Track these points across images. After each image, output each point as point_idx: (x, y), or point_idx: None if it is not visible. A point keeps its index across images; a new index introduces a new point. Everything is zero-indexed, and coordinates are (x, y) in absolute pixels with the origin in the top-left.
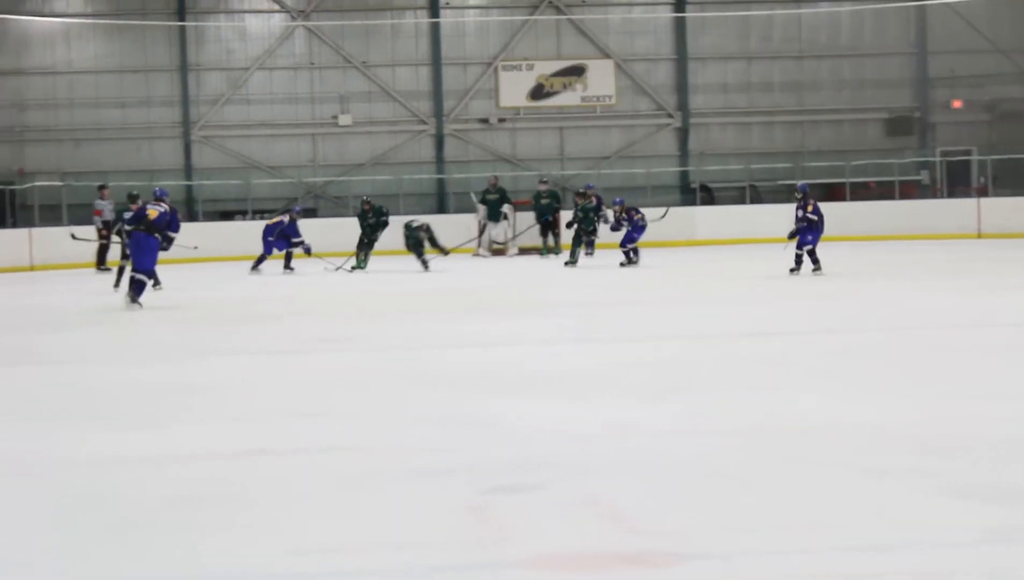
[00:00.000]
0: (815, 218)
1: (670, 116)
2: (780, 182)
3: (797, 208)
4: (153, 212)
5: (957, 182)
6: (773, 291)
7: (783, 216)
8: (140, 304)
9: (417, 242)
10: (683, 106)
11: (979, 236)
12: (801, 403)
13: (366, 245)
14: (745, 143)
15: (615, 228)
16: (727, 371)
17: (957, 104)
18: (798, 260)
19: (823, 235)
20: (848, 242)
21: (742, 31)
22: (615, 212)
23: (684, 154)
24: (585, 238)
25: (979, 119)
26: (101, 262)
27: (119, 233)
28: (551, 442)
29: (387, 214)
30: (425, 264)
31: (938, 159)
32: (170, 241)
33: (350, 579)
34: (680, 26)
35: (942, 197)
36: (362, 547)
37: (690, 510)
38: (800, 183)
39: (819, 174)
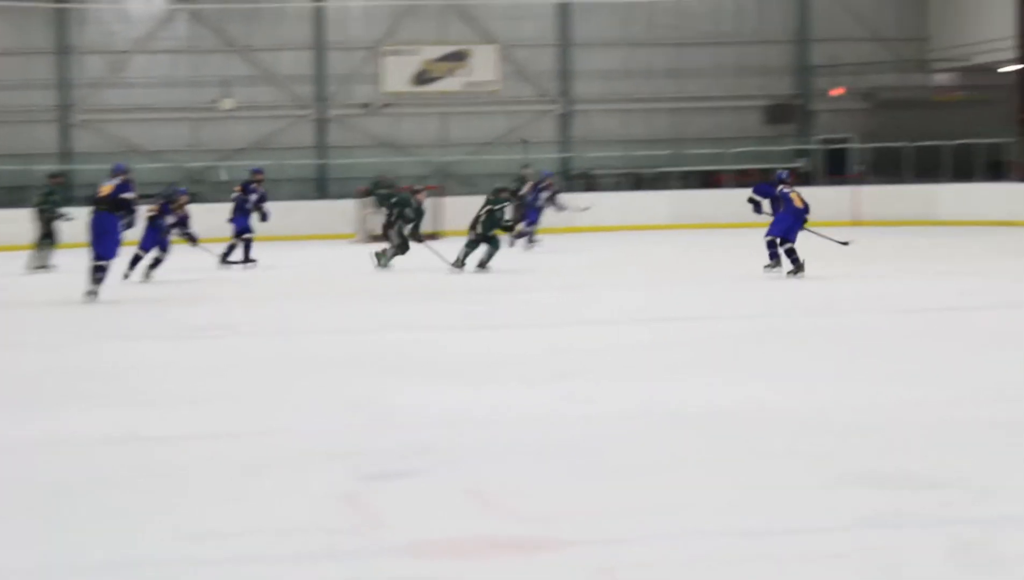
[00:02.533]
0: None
1: (553, 102)
2: (661, 169)
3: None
4: (107, 187)
5: (836, 169)
6: (658, 276)
7: (664, 202)
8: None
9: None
10: (566, 93)
11: (856, 223)
12: (687, 388)
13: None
14: (627, 130)
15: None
16: (615, 356)
17: (837, 92)
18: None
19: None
20: (727, 230)
21: (625, 18)
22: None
23: (566, 141)
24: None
25: (858, 107)
26: None
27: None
28: (435, 427)
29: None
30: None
31: (817, 147)
32: (132, 214)
33: (226, 566)
34: (564, 12)
35: (820, 184)
36: (241, 532)
37: (569, 495)
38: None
39: (699, 161)
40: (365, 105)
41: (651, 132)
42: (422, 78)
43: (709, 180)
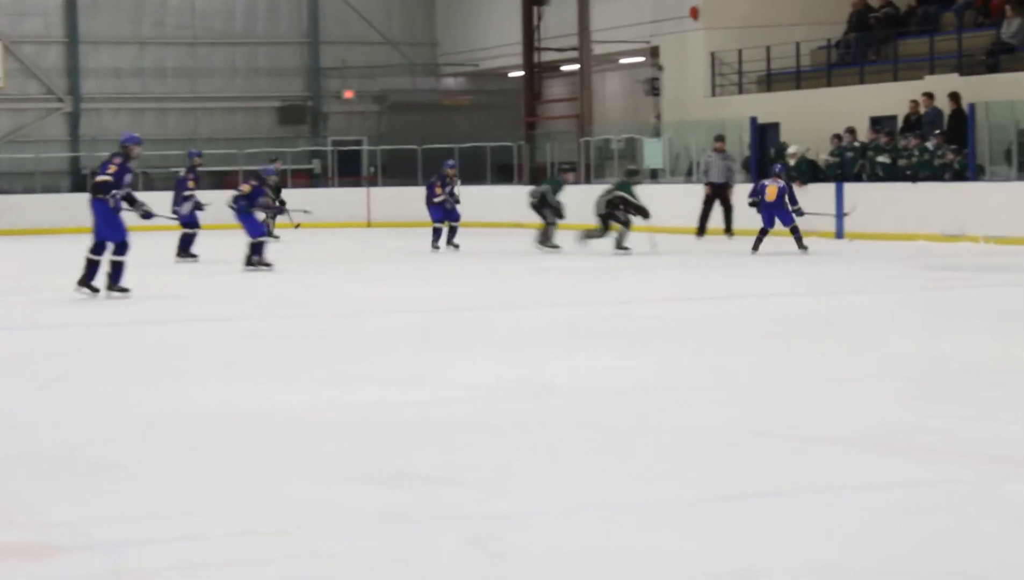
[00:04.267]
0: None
1: (61, 100)
2: (173, 169)
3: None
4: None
5: (348, 172)
6: (159, 280)
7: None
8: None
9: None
10: (74, 90)
11: (369, 225)
12: (199, 390)
13: None
14: (138, 129)
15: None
16: (125, 357)
17: (348, 94)
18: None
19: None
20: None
21: (135, 15)
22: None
23: (75, 139)
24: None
25: (369, 110)
26: None
27: None
28: None
29: None
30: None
31: (330, 148)
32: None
33: None
34: (71, 8)
35: (334, 186)
36: None
37: (77, 502)
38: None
39: (213, 162)
40: None
41: (163, 132)
42: None
43: (223, 181)
